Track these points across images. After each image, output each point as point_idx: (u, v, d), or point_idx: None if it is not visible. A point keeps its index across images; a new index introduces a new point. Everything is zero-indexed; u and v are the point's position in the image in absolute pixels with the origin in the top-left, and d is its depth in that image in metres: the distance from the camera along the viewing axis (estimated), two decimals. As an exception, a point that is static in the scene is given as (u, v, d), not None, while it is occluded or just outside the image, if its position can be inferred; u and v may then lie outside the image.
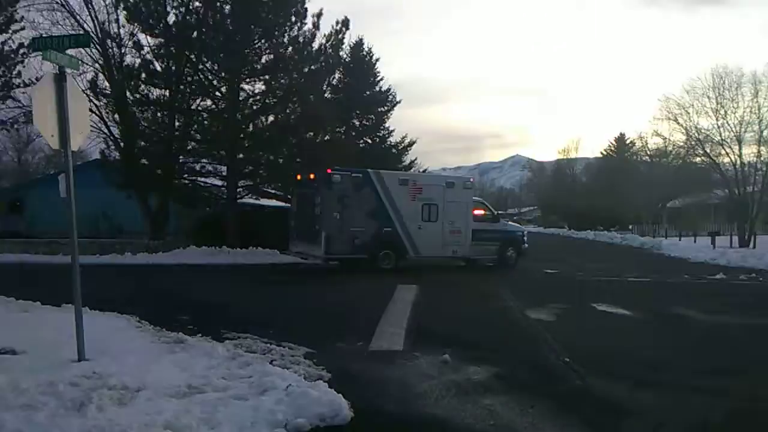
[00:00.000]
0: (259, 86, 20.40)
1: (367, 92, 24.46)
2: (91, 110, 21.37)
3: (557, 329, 7.33)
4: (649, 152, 39.65)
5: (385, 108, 24.85)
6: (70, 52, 6.01)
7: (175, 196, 21.26)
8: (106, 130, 20.90)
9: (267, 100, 20.38)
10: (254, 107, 20.44)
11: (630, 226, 43.65)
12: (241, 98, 20.27)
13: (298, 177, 16.73)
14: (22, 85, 26.96)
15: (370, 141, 25.02)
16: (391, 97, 24.83)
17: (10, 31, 27.26)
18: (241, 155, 20.47)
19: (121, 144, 20.71)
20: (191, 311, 8.80)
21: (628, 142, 55.48)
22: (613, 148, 57.89)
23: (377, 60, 24.70)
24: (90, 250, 19.85)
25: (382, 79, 24.77)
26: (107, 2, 19.52)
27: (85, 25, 19.88)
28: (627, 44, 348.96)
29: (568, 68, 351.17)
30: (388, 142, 25.11)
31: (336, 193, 14.64)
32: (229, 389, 4.69)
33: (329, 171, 15.00)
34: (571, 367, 5.47)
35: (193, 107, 20.96)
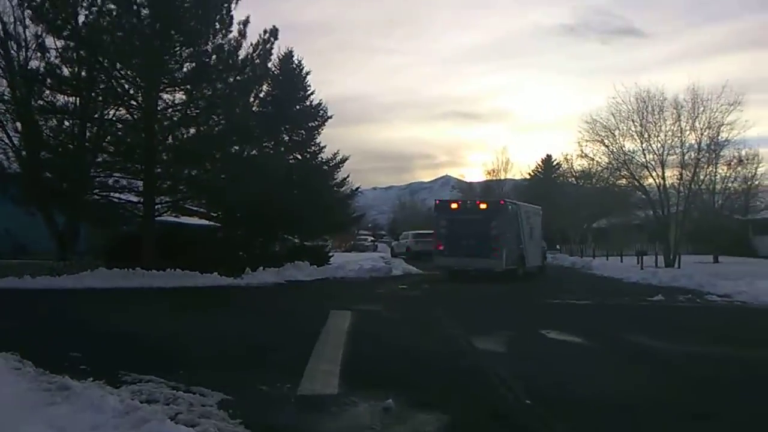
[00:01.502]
0: (180, 96, 19.03)
1: (297, 106, 23.44)
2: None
3: (510, 362, 6.58)
4: (575, 174, 40.60)
5: (316, 123, 23.88)
6: None
7: (84, 213, 19.43)
8: (6, 140, 19.00)
9: (188, 111, 19.01)
10: (174, 118, 19.04)
11: (557, 246, 44.46)
12: (159, 108, 18.81)
13: (437, 202, 22.71)
14: None
15: (299, 156, 23.98)
16: (322, 112, 23.89)
17: None
18: (159, 169, 18.94)
19: (23, 154, 18.80)
20: (88, 346, 7.51)
21: (554, 163, 57.01)
22: (540, 169, 59.26)
23: (308, 73, 23.83)
24: (-16, 272, 17.78)
25: (312, 93, 23.89)
26: (13, 2, 17.83)
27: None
28: (553, 67, 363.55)
29: (497, 91, 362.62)
30: (319, 158, 24.15)
31: (506, 219, 18.96)
32: (114, 462, 3.62)
33: (502, 202, 21.16)
34: (534, 412, 4.70)
35: (106, 117, 19.37)
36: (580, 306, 12.39)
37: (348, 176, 25.86)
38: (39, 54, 17.55)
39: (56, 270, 17.66)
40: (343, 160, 24.33)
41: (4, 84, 18.09)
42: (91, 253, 21.20)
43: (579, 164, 35.67)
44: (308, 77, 23.89)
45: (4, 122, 18.91)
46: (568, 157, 42.81)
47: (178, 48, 18.44)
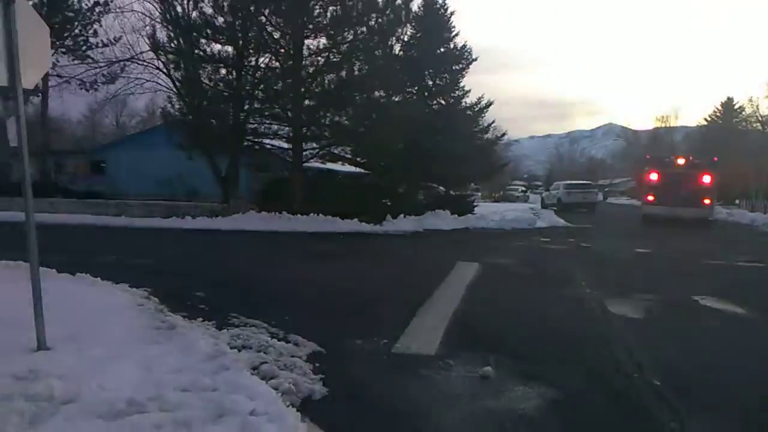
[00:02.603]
0: (323, 42, 19.12)
1: (441, 49, 22.53)
2: (157, 68, 21.16)
3: (645, 333, 5.62)
4: (761, 118, 35.23)
5: (460, 66, 22.85)
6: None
7: (239, 158, 20.58)
8: (172, 88, 20.53)
9: (330, 57, 19.08)
10: (317, 64, 19.23)
11: (737, 201, 39.38)
12: (304, 54, 19.10)
13: (647, 156, 26.14)
14: (99, 44, 27.32)
15: (443, 101, 23.19)
16: (467, 54, 22.77)
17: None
18: (304, 116, 19.38)
19: (186, 101, 20.19)
20: (213, 287, 7.81)
21: (736, 107, 50.14)
22: (718, 114, 52.41)
23: (452, 14, 22.70)
24: (156, 212, 19.75)
25: (457, 35, 22.72)
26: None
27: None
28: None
29: (666, 28, 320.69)
30: (463, 103, 23.18)
31: (713, 174, 21.97)
32: (180, 408, 3.47)
33: (716, 159, 23.96)
34: (663, 398, 3.86)
35: (257, 65, 20.11)
36: (750, 269, 10.59)
37: (493, 122, 24.68)
38: (193, 4, 18.39)
39: (215, 212, 19.06)
40: (488, 105, 23.19)
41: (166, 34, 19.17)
42: (251, 196, 22.60)
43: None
44: (452, 18, 22.78)
45: (169, 71, 20.43)
46: (754, 99, 37.11)
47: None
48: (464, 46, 22.83)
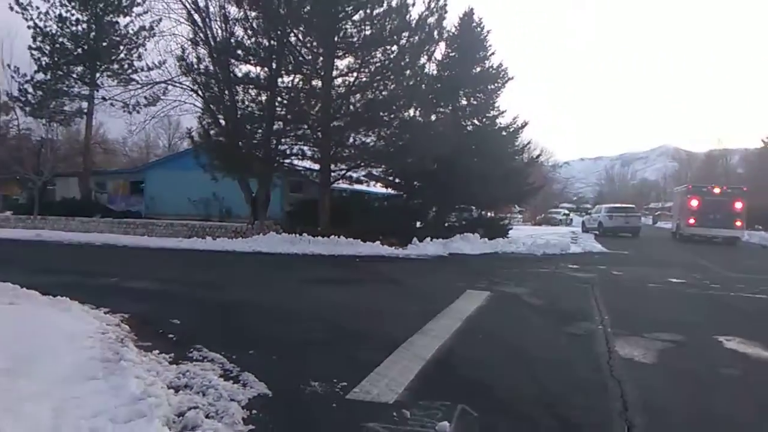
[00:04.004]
0: (352, 61, 18.89)
1: (477, 68, 22.01)
2: (192, 89, 21.32)
3: (652, 382, 4.83)
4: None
5: (496, 85, 22.25)
6: None
7: (270, 179, 20.45)
8: (206, 109, 20.65)
9: (360, 76, 18.82)
10: (347, 84, 19.01)
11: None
12: (334, 75, 18.92)
13: (704, 189, 27.48)
14: (145, 68, 27.98)
15: (478, 122, 22.57)
16: (503, 73, 22.16)
17: (133, 14, 28.45)
18: (332, 137, 19.12)
19: (220, 122, 20.27)
20: (194, 313, 7.53)
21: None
22: (776, 136, 49.68)
23: (488, 32, 22.18)
24: (180, 232, 19.79)
25: (493, 54, 22.18)
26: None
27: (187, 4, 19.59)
28: None
29: (725, 46, 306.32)
30: (498, 124, 22.50)
31: (743, 200, 26.32)
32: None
33: (745, 188, 28.02)
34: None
35: (288, 85, 20.04)
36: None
37: (529, 142, 23.85)
38: (223, 25, 18.51)
39: (239, 232, 18.94)
40: (523, 126, 22.44)
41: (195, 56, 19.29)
42: (282, 217, 22.49)
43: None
44: (489, 36, 22.28)
45: (204, 93, 20.57)
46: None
47: (351, 10, 18.23)
48: (500, 65, 22.26)
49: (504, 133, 22.36)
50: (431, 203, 22.57)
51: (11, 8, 26.48)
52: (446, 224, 22.27)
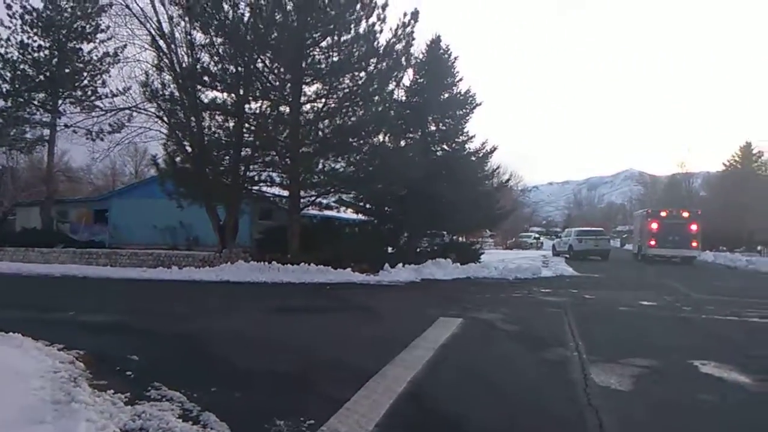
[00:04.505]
0: (320, 88, 18.83)
1: (445, 94, 22.15)
2: (157, 115, 20.91)
3: (632, 413, 4.71)
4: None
5: (464, 111, 22.40)
6: None
7: (237, 207, 20.08)
8: (170, 136, 20.27)
9: (328, 102, 18.74)
10: (315, 110, 18.90)
11: (759, 248, 37.90)
12: (302, 101, 18.82)
13: (662, 213, 29.56)
14: (109, 95, 27.50)
15: (447, 148, 22.65)
16: (470, 99, 22.35)
17: (97, 40, 28.02)
18: (302, 162, 18.90)
19: (187, 150, 19.90)
20: (153, 347, 7.21)
21: (755, 152, 49.09)
22: (737, 159, 51.16)
23: (456, 58, 22.38)
24: (145, 261, 19.22)
25: (461, 80, 22.40)
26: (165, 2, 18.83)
27: (152, 30, 19.36)
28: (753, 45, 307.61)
29: (686, 71, 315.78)
30: (467, 149, 22.60)
31: (698, 222, 28.21)
32: None
33: (699, 212, 29.87)
34: None
35: (255, 112, 19.82)
36: (765, 326, 9.56)
37: (498, 167, 24.00)
38: (189, 51, 18.30)
39: (206, 261, 18.48)
40: (492, 150, 22.54)
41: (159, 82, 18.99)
42: (251, 245, 22.08)
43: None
44: (456, 63, 22.48)
45: (169, 119, 20.22)
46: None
47: (318, 37, 18.22)
48: (468, 90, 22.44)
49: (473, 158, 22.44)
50: (402, 228, 22.43)
51: (-30, 35, 25.85)
52: (418, 249, 22.12)
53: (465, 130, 22.67)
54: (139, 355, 6.49)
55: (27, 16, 26.74)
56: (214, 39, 18.35)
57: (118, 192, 33.34)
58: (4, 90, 26.73)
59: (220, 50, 18.49)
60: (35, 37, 27.27)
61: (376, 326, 9.02)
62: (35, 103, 28.17)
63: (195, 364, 6.30)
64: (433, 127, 22.57)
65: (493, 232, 46.72)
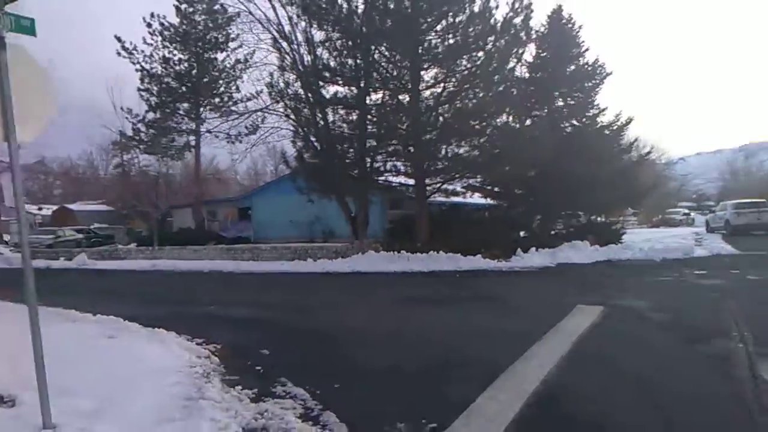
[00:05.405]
0: (436, 72, 18.44)
1: (571, 67, 20.78)
2: (285, 114, 21.69)
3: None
4: None
5: (594, 83, 20.88)
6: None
7: (365, 198, 20.33)
8: (299, 132, 20.96)
9: (447, 86, 18.30)
10: (434, 95, 18.56)
11: None
12: (421, 88, 18.56)
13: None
14: (243, 99, 29.22)
15: (577, 123, 21.26)
16: (599, 69, 20.76)
17: (228, 49, 29.81)
18: (426, 149, 18.68)
19: (315, 145, 20.49)
20: (282, 341, 7.31)
21: None
22: None
23: (580, 27, 20.88)
24: (284, 255, 20.10)
25: (587, 50, 20.86)
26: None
27: (274, 33, 20.10)
28: None
29: None
30: (599, 123, 21.06)
31: None
32: None
33: None
34: None
35: (376, 102, 19.91)
36: None
37: (636, 141, 22.08)
38: (309, 49, 18.75)
39: (339, 252, 18.91)
40: (628, 122, 20.78)
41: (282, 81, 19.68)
42: (382, 235, 22.33)
43: None
44: (581, 32, 21.02)
45: (297, 117, 20.91)
46: None
47: (432, 21, 17.85)
48: (596, 61, 20.87)
49: (607, 132, 20.89)
50: (534, 211, 21.47)
51: (118, 54, 28.52)
52: (552, 232, 21.08)
53: (595, 103, 21.21)
54: (270, 349, 6.60)
55: (166, 32, 29.06)
56: (331, 34, 18.65)
57: (258, 190, 35.36)
58: (153, 103, 29.30)
59: (338, 44, 18.75)
60: (175, 51, 29.60)
61: (506, 316, 8.52)
62: (180, 112, 30.67)
63: (321, 359, 6.27)
64: (560, 103, 21.33)
65: (636, 209, 43.50)
